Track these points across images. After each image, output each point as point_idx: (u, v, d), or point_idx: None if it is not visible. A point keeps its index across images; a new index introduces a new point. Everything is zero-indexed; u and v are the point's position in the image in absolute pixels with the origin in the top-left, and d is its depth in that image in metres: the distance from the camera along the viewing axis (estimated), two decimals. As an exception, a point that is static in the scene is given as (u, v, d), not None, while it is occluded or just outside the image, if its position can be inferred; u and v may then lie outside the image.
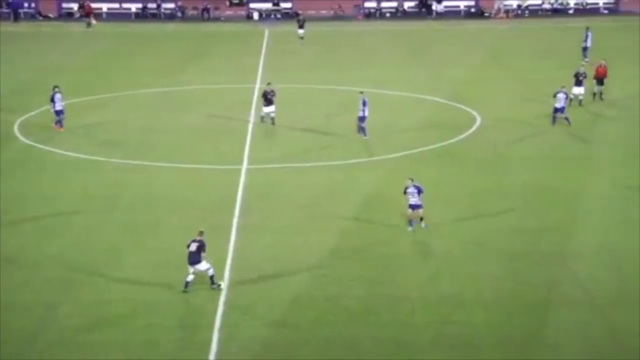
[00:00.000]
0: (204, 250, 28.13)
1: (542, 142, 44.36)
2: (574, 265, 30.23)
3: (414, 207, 32.75)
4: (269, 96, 47.74)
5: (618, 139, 44.68)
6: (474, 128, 47.12)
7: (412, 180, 32.92)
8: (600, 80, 51.73)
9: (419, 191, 32.66)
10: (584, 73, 51.03)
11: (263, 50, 71.58)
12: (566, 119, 46.14)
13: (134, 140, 45.55)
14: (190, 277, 28.04)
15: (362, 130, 45.16)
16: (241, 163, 41.57)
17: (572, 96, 49.71)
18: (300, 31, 75.70)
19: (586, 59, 61.65)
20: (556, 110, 46.33)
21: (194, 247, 28.06)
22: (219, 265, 29.72)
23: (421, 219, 32.94)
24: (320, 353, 24.95)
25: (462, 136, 45.63)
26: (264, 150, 43.71)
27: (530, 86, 56.48)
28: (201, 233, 28.51)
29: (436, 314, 26.96)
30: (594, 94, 51.31)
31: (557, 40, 73.79)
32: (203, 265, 28.12)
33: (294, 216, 34.97)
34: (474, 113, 49.75)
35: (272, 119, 47.82)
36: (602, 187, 37.69)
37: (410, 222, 32.92)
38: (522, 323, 26.31)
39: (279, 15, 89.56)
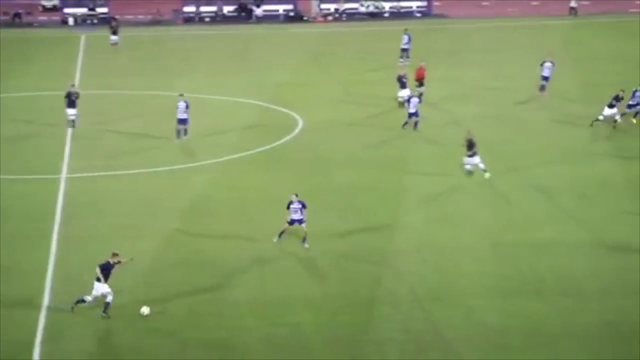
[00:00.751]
0: (109, 274, 27.12)
1: (362, 143, 45.18)
2: (396, 262, 31.07)
3: (295, 222, 32.07)
4: (72, 97, 46.88)
5: (438, 139, 45.90)
6: (296, 131, 47.58)
7: (297, 195, 32.34)
8: (420, 81, 53.02)
9: (303, 206, 32.14)
10: (405, 75, 52.17)
11: (80, 56, 69.94)
12: (415, 124, 46.71)
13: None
14: (89, 298, 26.99)
15: (184, 132, 44.94)
16: (60, 172, 40.57)
17: (399, 99, 50.62)
18: (114, 37, 73.06)
19: (401, 60, 63.23)
20: (410, 115, 46.72)
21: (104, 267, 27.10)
22: (39, 276, 29.00)
23: (304, 238, 32.11)
24: (148, 361, 24.75)
25: (285, 139, 46.00)
26: (85, 157, 42.74)
27: (350, 88, 57.43)
28: (114, 255, 27.48)
29: (264, 316, 27.15)
30: (419, 95, 52.39)
31: (375, 42, 75.37)
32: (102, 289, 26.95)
33: (118, 224, 34.37)
34: (296, 116, 50.23)
35: (73, 121, 47.04)
36: (421, 187, 38.75)
37: (280, 234, 32.31)
38: (348, 321, 26.86)
39: (95, 21, 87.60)
